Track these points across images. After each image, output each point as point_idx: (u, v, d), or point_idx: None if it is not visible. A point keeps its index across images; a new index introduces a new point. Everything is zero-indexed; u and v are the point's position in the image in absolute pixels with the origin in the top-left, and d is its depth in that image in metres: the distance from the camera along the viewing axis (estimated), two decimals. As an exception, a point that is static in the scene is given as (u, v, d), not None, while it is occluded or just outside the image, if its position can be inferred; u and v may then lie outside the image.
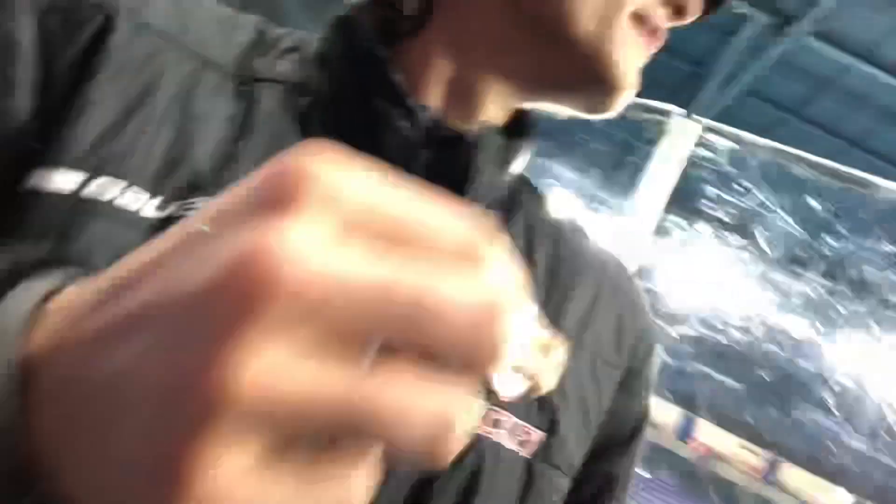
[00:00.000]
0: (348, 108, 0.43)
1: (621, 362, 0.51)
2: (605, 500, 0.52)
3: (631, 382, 0.52)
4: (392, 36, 0.45)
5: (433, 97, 0.45)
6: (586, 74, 0.44)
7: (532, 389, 0.30)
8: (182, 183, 0.38)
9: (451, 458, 0.19)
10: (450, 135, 0.43)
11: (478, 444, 0.42)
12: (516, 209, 0.50)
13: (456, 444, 0.19)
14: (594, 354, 0.49)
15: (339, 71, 0.44)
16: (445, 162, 0.43)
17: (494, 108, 0.46)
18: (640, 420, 0.54)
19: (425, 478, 0.41)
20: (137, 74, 0.39)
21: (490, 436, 0.43)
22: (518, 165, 0.48)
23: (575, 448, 0.48)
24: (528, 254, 0.49)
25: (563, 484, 0.47)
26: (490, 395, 0.43)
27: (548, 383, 0.33)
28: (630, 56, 0.44)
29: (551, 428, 0.46)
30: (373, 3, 0.45)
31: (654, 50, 0.45)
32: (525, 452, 0.45)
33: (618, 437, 0.52)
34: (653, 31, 0.44)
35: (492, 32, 0.44)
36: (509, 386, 0.43)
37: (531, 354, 0.30)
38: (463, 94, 0.45)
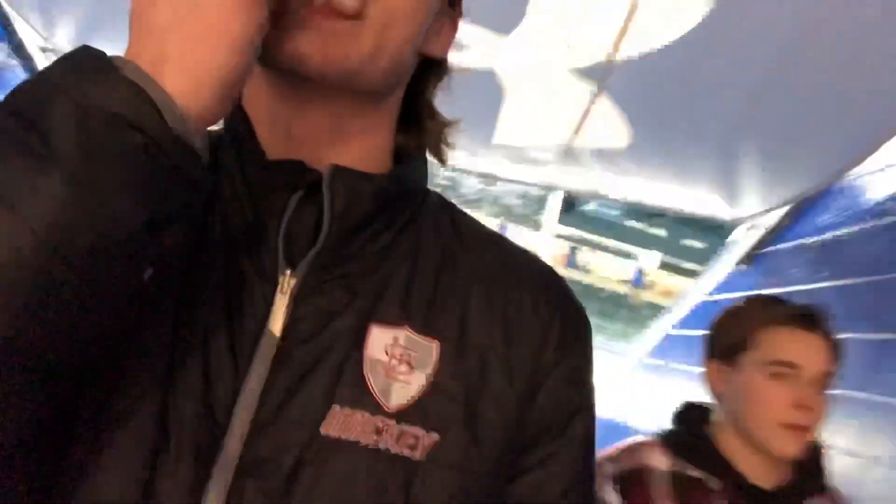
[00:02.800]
0: (232, 188, 0.51)
1: (524, 357, 0.52)
2: (546, 492, 0.52)
3: (546, 375, 0.53)
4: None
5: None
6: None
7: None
8: None
9: None
10: (311, 180, 0.49)
11: (352, 453, 0.45)
12: (406, 224, 0.54)
13: None
14: (483, 351, 0.51)
15: (226, 161, 0.52)
16: (309, 209, 0.49)
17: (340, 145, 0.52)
18: (575, 410, 0.54)
19: (291, 477, 0.44)
20: None
21: (370, 444, 0.46)
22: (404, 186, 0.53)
23: (471, 444, 0.49)
24: (413, 262, 0.52)
25: (456, 481, 0.48)
26: (375, 406, 0.47)
27: None
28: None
29: (442, 429, 0.48)
30: None
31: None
32: (417, 455, 0.47)
33: (546, 429, 0.52)
34: None
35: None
36: (393, 395, 0.47)
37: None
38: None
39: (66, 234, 0.34)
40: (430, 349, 0.50)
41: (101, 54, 0.38)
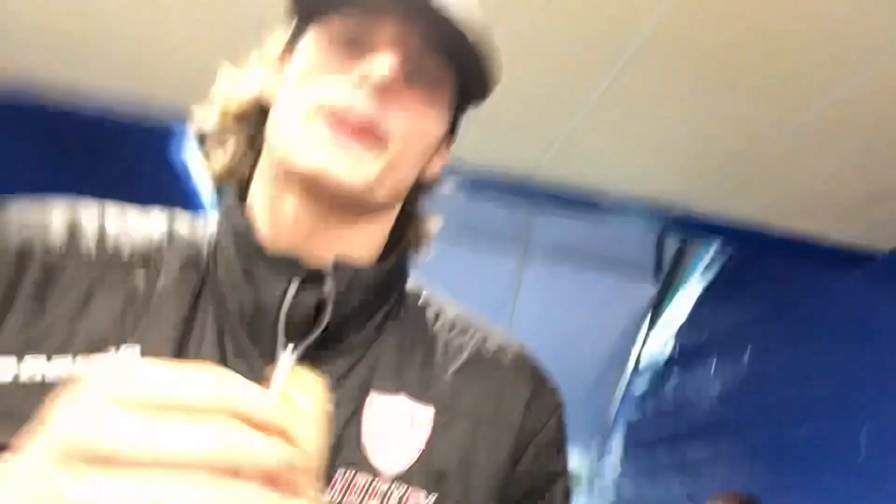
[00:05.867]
0: (230, 276, 0.54)
1: (509, 424, 0.57)
2: None
3: (528, 442, 0.58)
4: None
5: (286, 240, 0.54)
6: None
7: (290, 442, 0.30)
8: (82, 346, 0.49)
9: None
10: (309, 271, 0.53)
11: None
12: (395, 306, 0.59)
13: None
14: (474, 417, 0.56)
15: (224, 251, 0.55)
16: (308, 295, 0.52)
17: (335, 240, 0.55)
18: (556, 474, 0.60)
19: None
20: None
21: None
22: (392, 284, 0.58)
23: (464, 502, 0.53)
24: (402, 338, 0.58)
25: None
26: (375, 470, 0.50)
27: (304, 437, 0.32)
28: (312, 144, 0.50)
29: (440, 488, 0.52)
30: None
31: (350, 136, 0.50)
32: None
33: (529, 492, 0.58)
34: (342, 122, 0.50)
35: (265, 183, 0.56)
36: (392, 460, 0.50)
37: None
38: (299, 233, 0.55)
39: None
40: (427, 414, 0.54)
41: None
